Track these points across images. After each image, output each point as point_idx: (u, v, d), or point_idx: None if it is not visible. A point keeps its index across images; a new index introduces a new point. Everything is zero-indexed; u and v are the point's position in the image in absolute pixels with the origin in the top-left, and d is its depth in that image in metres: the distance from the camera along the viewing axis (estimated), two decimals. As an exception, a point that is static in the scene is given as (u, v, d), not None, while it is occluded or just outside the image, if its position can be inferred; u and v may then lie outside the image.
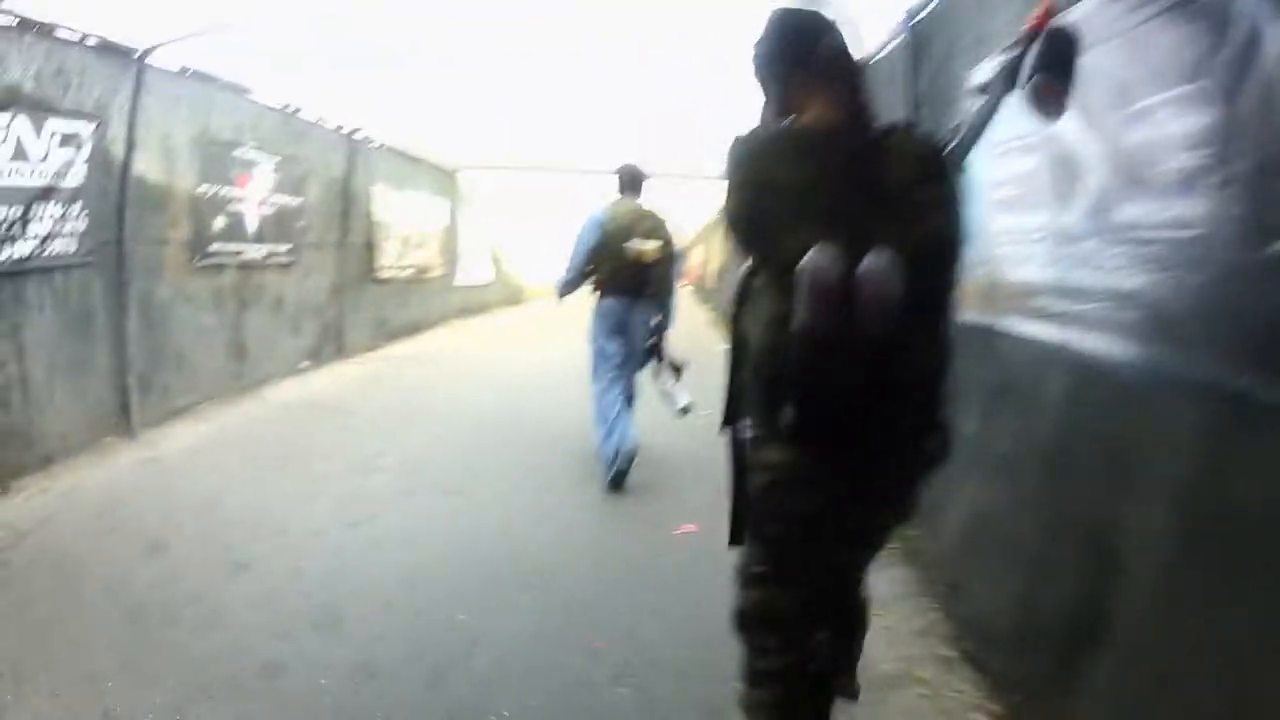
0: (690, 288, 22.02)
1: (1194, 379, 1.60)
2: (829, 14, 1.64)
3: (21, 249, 3.80)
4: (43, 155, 3.92)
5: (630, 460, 4.27)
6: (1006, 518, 2.45)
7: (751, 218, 1.53)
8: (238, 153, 5.85)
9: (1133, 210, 1.83)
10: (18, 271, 3.81)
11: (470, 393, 6.70)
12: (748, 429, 1.63)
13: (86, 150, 4.21)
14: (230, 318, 5.87)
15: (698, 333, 10.17)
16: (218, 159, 5.60)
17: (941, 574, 2.93)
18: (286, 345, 6.84)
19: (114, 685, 2.23)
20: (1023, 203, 2.42)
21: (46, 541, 3.17)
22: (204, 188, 5.44)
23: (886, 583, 3.01)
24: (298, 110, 6.68)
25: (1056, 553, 2.10)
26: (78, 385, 4.22)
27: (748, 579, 1.71)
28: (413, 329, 10.09)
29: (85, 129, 4.19)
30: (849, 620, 1.90)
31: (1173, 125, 1.68)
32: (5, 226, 3.70)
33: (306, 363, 7.14)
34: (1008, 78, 1.75)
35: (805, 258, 1.35)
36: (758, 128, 1.66)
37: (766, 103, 1.70)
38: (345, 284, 7.97)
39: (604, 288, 4.48)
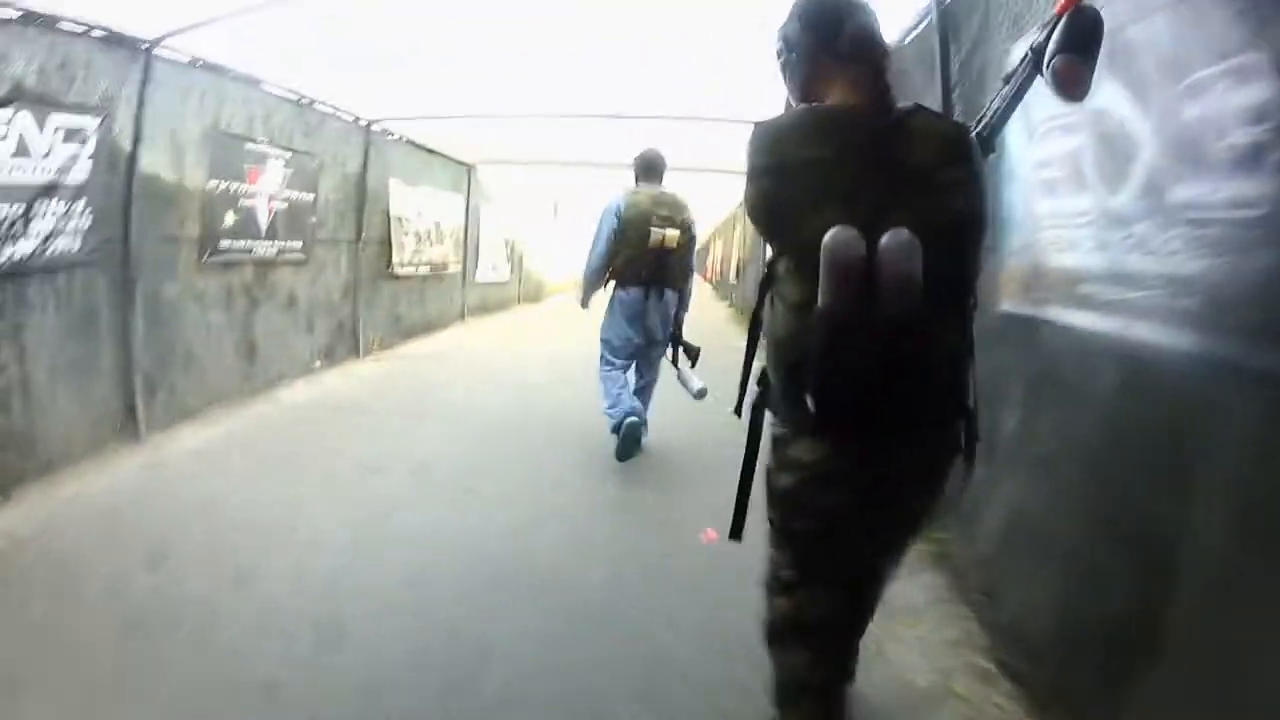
0: (709, 283, 21.98)
1: (1255, 368, 1.51)
2: None
3: (24, 248, 3.71)
4: (45, 151, 3.82)
5: (636, 430, 4.35)
6: (1049, 519, 2.32)
7: (773, 202, 1.53)
8: (249, 146, 5.73)
9: (1188, 190, 1.73)
10: (19, 271, 3.72)
11: (485, 391, 6.61)
12: (773, 425, 1.62)
13: (91, 145, 4.11)
14: (240, 316, 5.75)
15: (718, 329, 10.06)
16: (228, 153, 5.47)
17: (976, 580, 2.81)
18: (299, 344, 6.73)
19: (109, 698, 2.15)
20: (1067, 184, 2.27)
21: (47, 550, 3.07)
22: (214, 183, 5.31)
23: (918, 588, 2.93)
24: (312, 102, 6.55)
25: (1104, 556, 1.99)
26: (81, 388, 4.12)
27: (776, 587, 1.70)
28: (429, 326, 9.98)
29: (90, 123, 4.10)
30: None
31: (1231, 98, 1.58)
32: (6, 225, 3.61)
33: (319, 362, 7.05)
34: (1034, 61, 1.69)
35: (826, 238, 1.36)
36: (779, 114, 1.63)
37: (790, 88, 1.69)
38: (360, 281, 7.86)
39: (621, 277, 4.45)
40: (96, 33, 4.10)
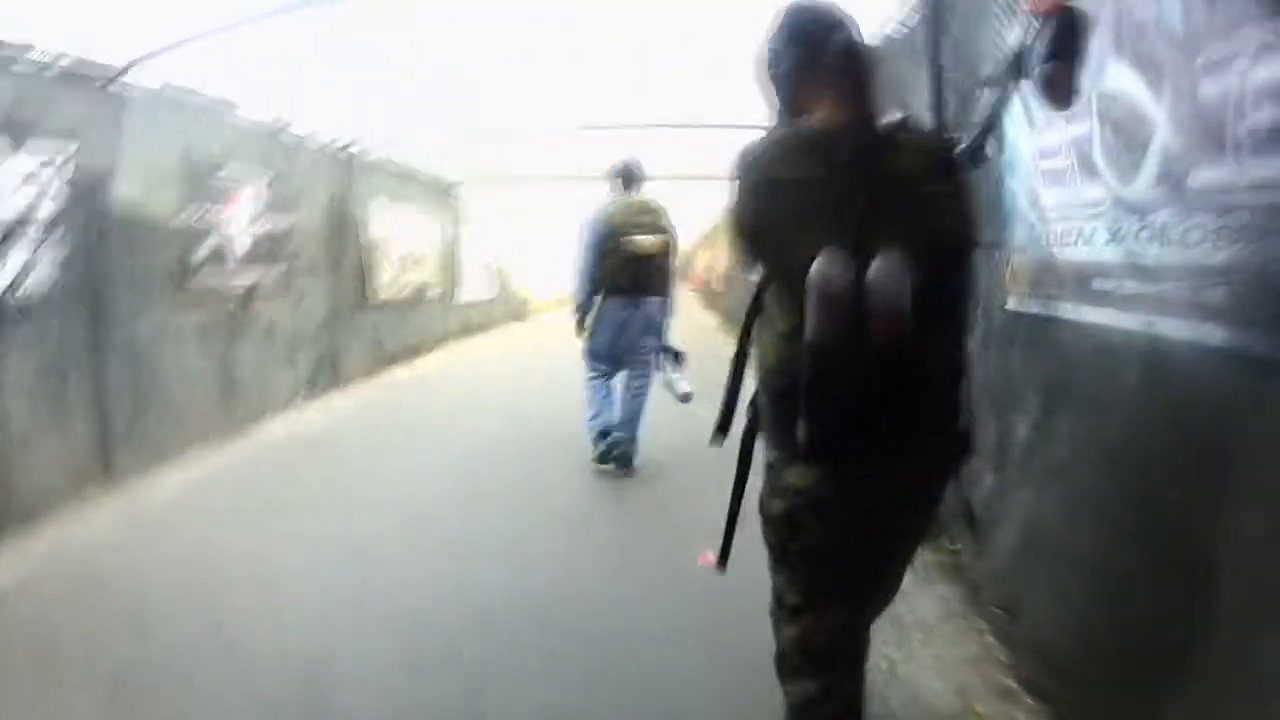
0: (695, 292, 21.95)
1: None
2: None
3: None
4: (12, 187, 3.70)
5: (624, 453, 4.54)
6: (1071, 528, 2.22)
7: (760, 226, 1.52)
8: (224, 173, 5.57)
9: (1212, 175, 1.63)
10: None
11: (471, 419, 6.44)
12: (766, 452, 1.63)
13: (61, 178, 3.98)
14: (218, 350, 5.56)
15: (705, 338, 9.97)
16: (202, 181, 5.32)
17: (993, 593, 2.71)
18: (279, 377, 6.53)
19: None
20: (1077, 173, 2.17)
21: (21, 609, 2.93)
22: (188, 211, 5.15)
23: (930, 601, 2.86)
24: (287, 126, 6.42)
25: (1130, 566, 1.90)
26: (56, 432, 3.96)
27: (782, 616, 1.69)
28: (412, 351, 9.81)
29: (59, 156, 3.97)
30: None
31: (1257, 74, 1.48)
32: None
33: (300, 394, 6.87)
34: (1014, 67, 1.66)
35: (814, 266, 1.34)
36: (764, 135, 1.61)
37: (775, 104, 1.68)
38: (340, 309, 7.70)
39: (604, 286, 4.50)
40: (64, 61, 3.97)
